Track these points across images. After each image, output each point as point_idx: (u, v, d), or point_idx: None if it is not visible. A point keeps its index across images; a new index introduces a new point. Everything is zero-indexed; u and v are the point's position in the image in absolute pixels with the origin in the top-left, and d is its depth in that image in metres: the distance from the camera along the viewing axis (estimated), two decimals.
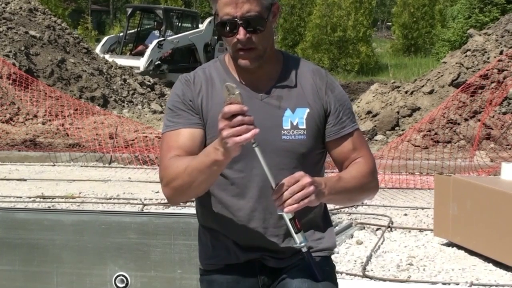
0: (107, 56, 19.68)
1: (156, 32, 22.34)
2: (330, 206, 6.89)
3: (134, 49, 22.13)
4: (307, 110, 2.18)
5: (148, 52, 20.95)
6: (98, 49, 21.43)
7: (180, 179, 2.09)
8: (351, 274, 4.96)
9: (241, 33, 2.09)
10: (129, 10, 23.04)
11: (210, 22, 23.85)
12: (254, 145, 1.97)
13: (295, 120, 2.17)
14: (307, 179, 1.96)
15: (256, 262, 2.23)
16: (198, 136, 2.16)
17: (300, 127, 2.17)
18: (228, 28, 2.10)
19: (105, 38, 23.54)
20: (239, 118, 1.89)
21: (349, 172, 2.19)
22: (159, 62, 21.12)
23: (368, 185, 2.23)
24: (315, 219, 2.29)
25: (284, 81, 2.20)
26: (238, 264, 2.22)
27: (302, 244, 2.04)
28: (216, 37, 23.64)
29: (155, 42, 21.52)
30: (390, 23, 49.79)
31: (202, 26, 23.92)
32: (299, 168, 2.10)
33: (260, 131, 1.94)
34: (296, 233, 2.02)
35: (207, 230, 2.29)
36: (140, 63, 20.53)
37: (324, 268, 2.23)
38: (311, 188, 1.96)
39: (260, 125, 1.98)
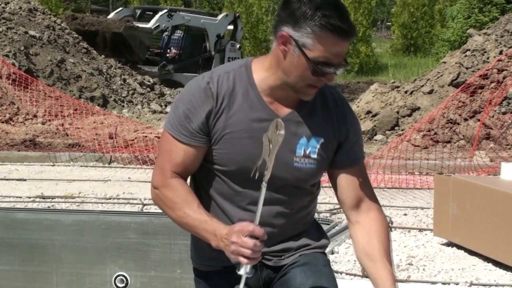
0: None
1: (165, 34, 22.24)
2: (329, 206, 6.90)
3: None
4: (322, 140, 2.18)
5: (157, 16, 20.92)
6: (111, 15, 21.70)
7: (171, 212, 2.16)
8: (350, 274, 4.96)
9: (332, 79, 2.08)
10: (138, 12, 22.97)
11: (226, 15, 23.72)
12: (263, 185, 2.01)
13: (308, 149, 2.17)
14: None
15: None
16: (194, 154, 2.16)
17: (312, 156, 2.17)
18: (325, 70, 2.03)
19: (120, 8, 23.74)
20: (255, 243, 1.96)
21: (383, 254, 2.20)
22: (164, 62, 20.98)
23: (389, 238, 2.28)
24: (312, 218, 2.33)
25: (304, 106, 2.17)
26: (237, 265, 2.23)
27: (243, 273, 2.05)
28: (228, 37, 23.40)
29: (165, 10, 21.45)
30: (389, 23, 49.78)
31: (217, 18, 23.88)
32: (301, 187, 2.19)
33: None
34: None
35: None
36: (147, 25, 20.57)
37: (324, 263, 2.28)
38: None
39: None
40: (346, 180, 2.23)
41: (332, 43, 2.00)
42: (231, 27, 23.55)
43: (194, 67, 21.71)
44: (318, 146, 2.18)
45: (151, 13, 22.21)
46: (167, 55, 21.60)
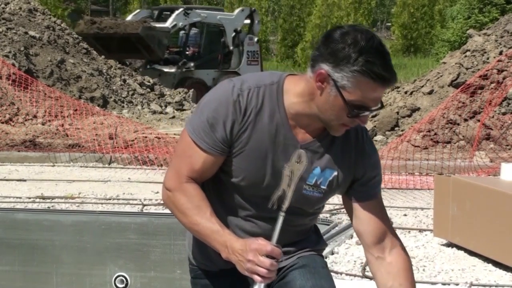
0: None
1: (182, 32, 22.22)
2: (329, 207, 6.89)
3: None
4: (335, 173, 2.17)
5: (173, 16, 20.96)
6: (129, 18, 21.79)
7: (182, 217, 2.13)
8: (350, 275, 4.96)
9: (366, 120, 2.08)
10: (156, 12, 22.99)
11: (242, 10, 23.77)
12: (281, 214, 2.04)
13: (320, 179, 2.16)
14: None
15: None
16: (213, 162, 2.14)
17: (322, 187, 2.17)
18: (359, 111, 2.02)
19: (138, 10, 23.85)
20: (272, 263, 1.98)
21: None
22: (184, 60, 20.97)
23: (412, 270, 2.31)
24: (312, 227, 2.35)
25: (325, 137, 2.15)
26: (235, 268, 2.19)
27: None
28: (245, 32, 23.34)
29: (182, 8, 21.50)
30: (389, 24, 49.79)
31: (233, 12, 23.90)
32: (304, 210, 2.20)
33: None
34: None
35: None
36: (164, 25, 20.62)
37: (322, 265, 2.29)
38: None
39: None
40: (364, 214, 2.22)
41: (371, 89, 1.98)
42: (247, 21, 23.57)
43: (214, 63, 21.81)
44: (330, 178, 2.17)
45: (168, 12, 22.28)
46: (187, 52, 21.62)
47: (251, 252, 1.98)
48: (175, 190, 2.14)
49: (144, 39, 19.43)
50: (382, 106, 2.06)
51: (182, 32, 21.71)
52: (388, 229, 2.24)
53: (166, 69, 20.46)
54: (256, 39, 23.52)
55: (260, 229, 2.17)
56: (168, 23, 20.73)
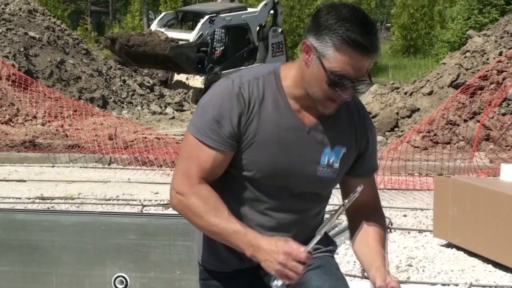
0: (163, 29, 20.09)
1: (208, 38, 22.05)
2: (329, 207, 6.90)
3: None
4: (344, 149, 2.19)
5: (198, 26, 20.72)
6: (154, 24, 21.49)
7: (199, 220, 2.10)
8: (350, 275, 4.97)
9: (350, 94, 2.07)
10: (180, 15, 22.85)
11: (265, 4, 23.58)
12: (319, 235, 2.07)
13: (332, 158, 2.18)
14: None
15: None
16: (222, 159, 2.13)
17: (334, 166, 2.18)
18: (341, 83, 2.02)
19: (163, 13, 23.59)
20: (303, 269, 1.99)
21: (378, 244, 2.24)
22: (211, 65, 20.78)
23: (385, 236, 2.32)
24: (320, 223, 2.33)
25: (330, 116, 2.16)
26: (250, 268, 2.19)
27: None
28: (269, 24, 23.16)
29: (206, 17, 21.34)
30: (389, 24, 49.82)
31: (257, 8, 23.69)
32: (319, 194, 2.21)
33: (299, 162, 2.10)
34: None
35: None
36: (190, 36, 20.30)
37: (337, 266, 2.35)
38: None
39: (302, 157, 2.11)
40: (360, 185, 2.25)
41: (350, 57, 2.00)
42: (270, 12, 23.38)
43: (240, 61, 21.67)
44: (341, 155, 2.18)
45: (192, 12, 22.16)
46: (212, 56, 21.44)
47: (283, 255, 1.98)
48: (187, 194, 2.11)
49: (173, 58, 19.44)
50: (371, 82, 2.08)
51: (208, 37, 21.43)
52: (375, 201, 2.30)
53: (193, 78, 20.33)
54: (280, 29, 23.35)
55: (277, 223, 2.17)
56: (194, 34, 20.43)
